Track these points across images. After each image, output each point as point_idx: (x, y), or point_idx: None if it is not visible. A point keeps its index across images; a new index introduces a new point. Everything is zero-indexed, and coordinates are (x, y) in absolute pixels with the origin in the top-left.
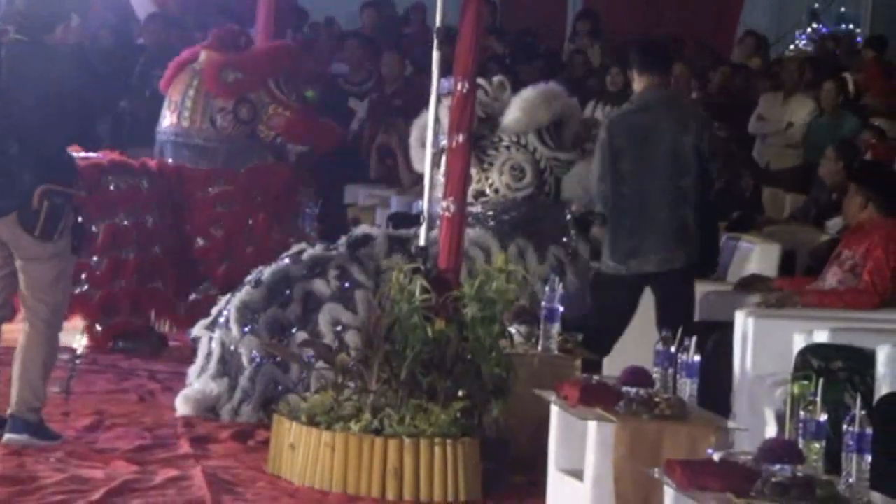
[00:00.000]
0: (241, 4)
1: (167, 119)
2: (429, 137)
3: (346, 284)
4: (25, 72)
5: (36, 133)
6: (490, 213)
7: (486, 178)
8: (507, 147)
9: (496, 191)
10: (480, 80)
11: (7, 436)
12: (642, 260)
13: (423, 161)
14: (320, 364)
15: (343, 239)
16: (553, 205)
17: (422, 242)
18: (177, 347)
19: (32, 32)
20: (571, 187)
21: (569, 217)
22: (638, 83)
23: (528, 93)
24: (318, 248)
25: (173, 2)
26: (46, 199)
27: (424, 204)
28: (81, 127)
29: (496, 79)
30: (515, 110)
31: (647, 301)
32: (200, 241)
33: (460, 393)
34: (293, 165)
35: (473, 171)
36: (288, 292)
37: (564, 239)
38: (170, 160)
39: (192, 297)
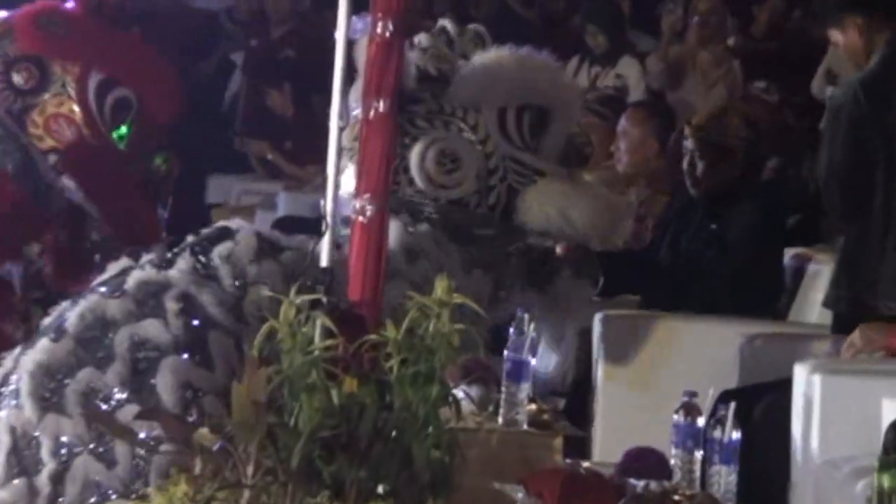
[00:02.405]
0: None
1: None
2: (334, 107)
3: (195, 322)
4: None
5: None
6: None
7: (400, 161)
8: (447, 122)
9: (410, 181)
10: (445, 23)
11: None
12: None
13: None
14: (167, 446)
15: (186, 245)
16: (501, 226)
17: (324, 261)
18: None
19: None
20: (534, 210)
21: (558, 251)
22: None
23: (498, 54)
24: (148, 268)
25: None
26: None
27: (328, 204)
28: None
29: (472, 27)
30: (474, 73)
31: (657, 343)
32: None
33: (380, 488)
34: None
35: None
36: (107, 341)
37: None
38: None
39: None
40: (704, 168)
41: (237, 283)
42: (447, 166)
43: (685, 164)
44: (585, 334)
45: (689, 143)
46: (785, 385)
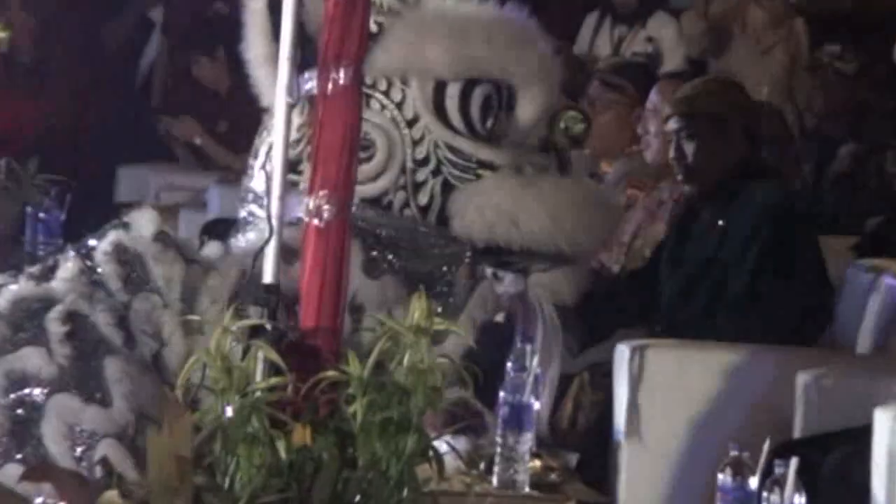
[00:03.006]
0: None
1: None
2: (280, 79)
3: (85, 347)
4: None
5: None
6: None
7: (296, 145)
8: (365, 94)
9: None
10: None
11: None
12: None
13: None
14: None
15: (69, 253)
16: (430, 232)
17: (268, 276)
18: None
19: None
20: (470, 215)
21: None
22: None
23: (438, 4)
24: (24, 281)
25: None
26: None
27: (272, 203)
28: None
29: None
30: (401, 32)
31: (696, 380)
32: None
33: None
34: None
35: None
36: None
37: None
38: None
39: None
40: (697, 149)
41: (125, 284)
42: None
43: (671, 154)
44: (597, 368)
45: (672, 124)
46: (861, 435)
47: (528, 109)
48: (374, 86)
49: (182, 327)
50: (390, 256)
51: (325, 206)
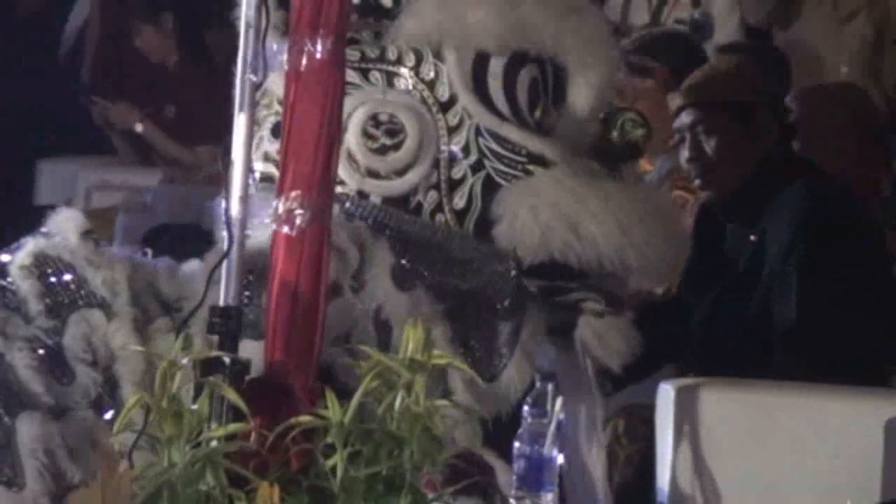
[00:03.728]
0: None
1: None
2: (240, 52)
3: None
4: None
5: None
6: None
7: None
8: (388, 72)
9: None
10: None
11: None
12: None
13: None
14: None
15: None
16: (468, 243)
17: (224, 297)
18: None
19: None
20: (521, 220)
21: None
22: None
23: None
24: None
25: None
26: None
27: (231, 206)
28: None
29: None
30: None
31: (759, 429)
32: None
33: None
34: None
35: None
36: None
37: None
38: None
39: None
40: (717, 146)
41: (49, 304)
42: (381, 142)
43: (686, 155)
44: (635, 412)
45: (684, 118)
46: None
47: (582, 97)
48: (399, 61)
49: (137, 334)
50: (421, 267)
51: (298, 211)
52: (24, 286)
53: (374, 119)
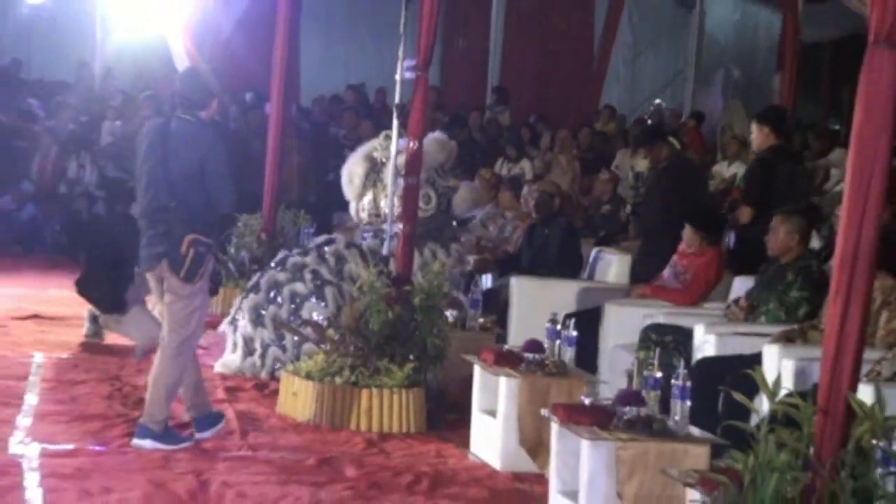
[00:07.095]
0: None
1: None
2: (389, 179)
3: (318, 283)
4: (185, 142)
5: (188, 192)
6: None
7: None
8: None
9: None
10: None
11: (135, 440)
12: None
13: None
14: (313, 338)
15: (313, 244)
16: (447, 217)
17: (385, 251)
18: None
19: (192, 110)
20: (459, 204)
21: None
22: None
23: (426, 143)
24: (296, 255)
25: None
26: (192, 247)
27: (388, 226)
28: (222, 189)
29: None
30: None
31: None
32: None
33: (411, 357)
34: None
35: (394, 200)
36: (278, 295)
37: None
38: None
39: None
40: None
41: (336, 262)
42: (426, 199)
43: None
44: None
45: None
46: (598, 311)
47: (450, 164)
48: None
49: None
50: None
51: (405, 226)
52: (321, 268)
53: (424, 196)
